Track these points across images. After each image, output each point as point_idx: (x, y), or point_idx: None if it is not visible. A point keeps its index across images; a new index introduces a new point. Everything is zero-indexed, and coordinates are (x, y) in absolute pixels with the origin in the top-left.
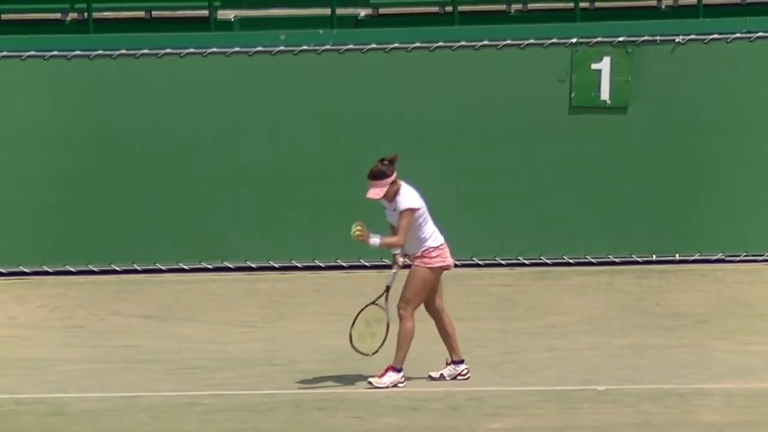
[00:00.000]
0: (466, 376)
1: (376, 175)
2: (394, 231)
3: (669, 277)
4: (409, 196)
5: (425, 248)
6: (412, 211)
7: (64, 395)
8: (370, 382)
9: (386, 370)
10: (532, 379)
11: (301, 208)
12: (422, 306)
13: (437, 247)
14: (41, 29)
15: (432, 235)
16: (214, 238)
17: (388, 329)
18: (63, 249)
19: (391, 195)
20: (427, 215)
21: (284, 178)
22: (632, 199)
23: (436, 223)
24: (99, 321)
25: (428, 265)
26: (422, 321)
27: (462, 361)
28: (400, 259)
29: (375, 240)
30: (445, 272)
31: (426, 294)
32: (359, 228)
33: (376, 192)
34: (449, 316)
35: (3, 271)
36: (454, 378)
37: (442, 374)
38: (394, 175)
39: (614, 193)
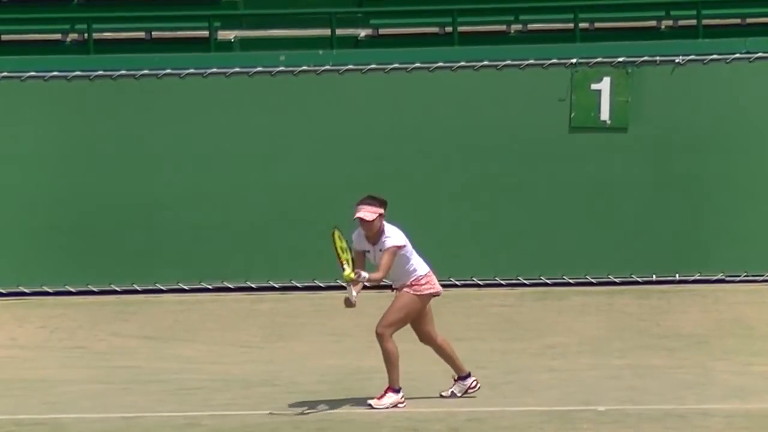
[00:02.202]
0: (477, 388)
1: (371, 199)
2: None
3: (669, 297)
4: (394, 234)
5: (414, 278)
6: (399, 248)
7: (64, 416)
8: (369, 404)
9: (385, 392)
10: (533, 399)
11: (301, 229)
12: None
13: (425, 275)
14: (41, 50)
15: (420, 266)
16: (213, 259)
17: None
18: (63, 269)
19: (376, 230)
20: (412, 249)
21: (284, 198)
22: (632, 220)
23: (420, 253)
24: (99, 342)
25: (418, 293)
26: (414, 342)
27: (468, 375)
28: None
29: (364, 275)
30: (441, 295)
31: (408, 320)
32: (353, 274)
33: (368, 210)
34: (444, 337)
35: (3, 291)
36: (465, 392)
37: (453, 392)
38: (384, 210)
39: (614, 213)
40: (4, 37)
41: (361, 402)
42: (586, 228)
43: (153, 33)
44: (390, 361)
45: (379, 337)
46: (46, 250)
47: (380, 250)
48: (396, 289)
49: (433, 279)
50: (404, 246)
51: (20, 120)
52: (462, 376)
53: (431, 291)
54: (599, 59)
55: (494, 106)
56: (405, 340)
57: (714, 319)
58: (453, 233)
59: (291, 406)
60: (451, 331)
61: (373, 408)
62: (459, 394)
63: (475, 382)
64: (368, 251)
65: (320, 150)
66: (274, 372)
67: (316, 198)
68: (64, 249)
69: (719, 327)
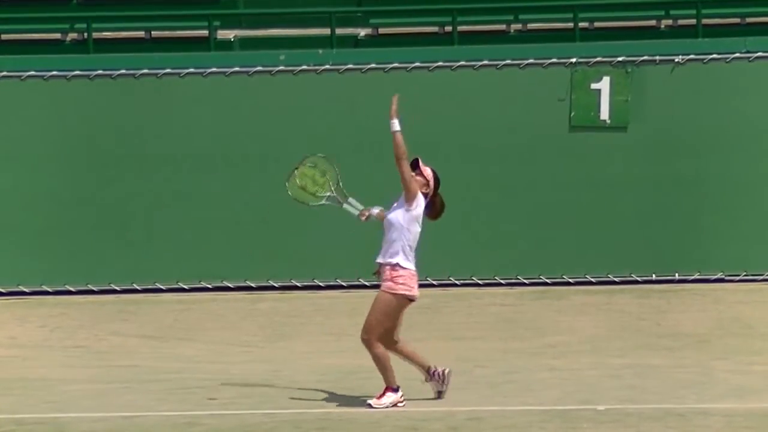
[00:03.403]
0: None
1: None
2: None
3: (669, 296)
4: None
5: (396, 263)
6: (425, 186)
7: (65, 415)
8: (369, 404)
9: (384, 392)
10: (533, 398)
11: (300, 228)
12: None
13: (407, 270)
14: (41, 49)
15: (409, 254)
16: (213, 258)
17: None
18: (63, 269)
19: (417, 190)
20: (418, 228)
21: (283, 197)
22: (632, 219)
23: (415, 252)
24: (99, 341)
25: (392, 290)
26: (421, 341)
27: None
28: (375, 212)
29: (375, 210)
30: (443, 292)
31: (389, 323)
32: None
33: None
34: (402, 339)
35: (3, 291)
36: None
37: (438, 392)
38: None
39: (614, 212)
40: (4, 36)
41: (361, 401)
42: (586, 227)
43: (153, 32)
44: (381, 364)
45: (365, 342)
46: (46, 250)
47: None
48: (380, 265)
49: (413, 281)
50: (424, 195)
51: (20, 119)
52: (430, 372)
53: (407, 293)
54: (599, 59)
55: (494, 105)
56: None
57: (714, 319)
58: (452, 233)
59: (290, 405)
60: (451, 330)
61: (372, 408)
62: (444, 389)
63: (443, 369)
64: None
65: (320, 149)
66: (273, 371)
67: None
68: (63, 248)
69: (719, 326)
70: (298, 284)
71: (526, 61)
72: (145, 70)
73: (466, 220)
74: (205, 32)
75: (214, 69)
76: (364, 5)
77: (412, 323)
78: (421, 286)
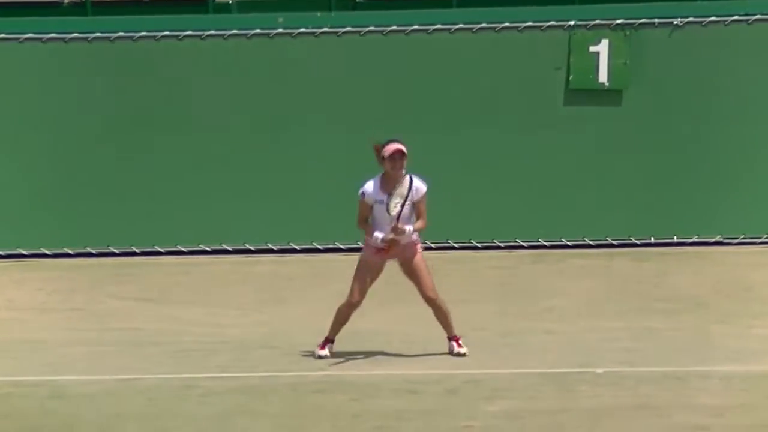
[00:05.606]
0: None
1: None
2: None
3: (667, 259)
4: (420, 180)
5: (415, 234)
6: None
7: (63, 378)
8: (461, 353)
9: (457, 338)
10: (530, 361)
11: (299, 191)
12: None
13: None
14: (39, 12)
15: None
16: (212, 221)
17: None
18: (61, 232)
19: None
20: (385, 213)
21: (283, 161)
22: (630, 182)
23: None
24: (97, 304)
25: (420, 247)
26: (422, 304)
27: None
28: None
29: (409, 228)
30: (442, 255)
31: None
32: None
33: (403, 145)
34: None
35: (1, 253)
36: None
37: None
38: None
39: (612, 175)
40: None
41: (359, 363)
42: (584, 190)
43: None
44: (448, 311)
45: (435, 301)
46: (45, 212)
47: (408, 199)
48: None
49: None
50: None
51: (18, 82)
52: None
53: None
54: (597, 21)
55: (492, 68)
56: (410, 302)
57: (712, 282)
58: (451, 196)
59: (289, 367)
60: (449, 293)
61: (462, 355)
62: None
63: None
64: (381, 201)
65: (318, 113)
66: (271, 334)
67: (316, 161)
68: (62, 211)
69: (718, 289)
70: (296, 247)
71: (525, 24)
72: (144, 33)
73: (464, 183)
74: None
75: (212, 32)
76: None
77: (411, 287)
78: None
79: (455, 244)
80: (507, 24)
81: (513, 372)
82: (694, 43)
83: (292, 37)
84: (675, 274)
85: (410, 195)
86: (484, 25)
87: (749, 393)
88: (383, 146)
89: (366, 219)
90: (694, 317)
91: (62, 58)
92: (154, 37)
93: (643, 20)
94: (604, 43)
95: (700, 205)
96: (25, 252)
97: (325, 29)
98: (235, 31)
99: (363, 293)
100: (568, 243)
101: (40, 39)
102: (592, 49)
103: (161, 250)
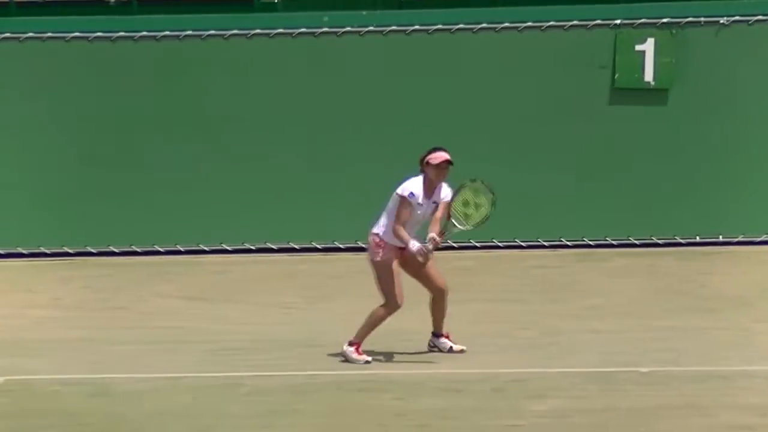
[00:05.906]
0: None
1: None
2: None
3: (712, 259)
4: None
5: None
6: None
7: (108, 376)
8: (462, 349)
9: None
10: (576, 360)
11: (344, 190)
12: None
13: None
14: (86, 11)
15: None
16: (257, 220)
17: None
18: (106, 230)
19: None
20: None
21: (327, 159)
22: (675, 181)
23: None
24: (142, 302)
25: None
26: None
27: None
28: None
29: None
30: (486, 254)
31: None
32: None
33: (449, 158)
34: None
35: (47, 251)
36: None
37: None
38: None
39: (657, 174)
40: None
41: (403, 362)
42: (629, 189)
43: None
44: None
45: (445, 292)
46: (90, 211)
47: (434, 203)
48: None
49: None
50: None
51: (65, 80)
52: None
53: None
54: (643, 20)
55: (537, 66)
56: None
57: (758, 281)
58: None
59: (333, 366)
60: (493, 292)
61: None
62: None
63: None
64: (421, 205)
65: (362, 111)
66: (316, 332)
67: (361, 159)
68: (107, 210)
69: (763, 289)
70: (340, 246)
71: (570, 23)
72: (190, 32)
73: (510, 182)
74: None
75: (258, 30)
76: None
77: (455, 285)
78: (464, 248)
79: (499, 243)
80: (552, 23)
81: (558, 371)
82: (741, 42)
83: (338, 36)
84: (720, 273)
85: (435, 197)
86: (529, 23)
87: None
88: (428, 153)
89: (406, 221)
90: (738, 316)
91: (108, 56)
92: (200, 35)
93: (690, 19)
94: (650, 41)
95: (745, 205)
96: (70, 250)
97: (371, 28)
98: (280, 30)
99: (402, 297)
100: (613, 242)
101: (86, 38)
102: (637, 47)
103: (206, 248)
